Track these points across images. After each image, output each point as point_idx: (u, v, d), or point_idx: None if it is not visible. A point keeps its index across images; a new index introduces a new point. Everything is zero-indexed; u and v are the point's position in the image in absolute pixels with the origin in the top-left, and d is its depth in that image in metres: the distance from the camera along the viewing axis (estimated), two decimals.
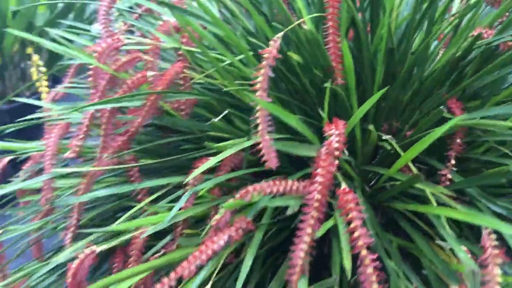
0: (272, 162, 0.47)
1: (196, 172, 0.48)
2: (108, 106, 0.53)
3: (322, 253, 0.55)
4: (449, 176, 0.56)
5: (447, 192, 0.45)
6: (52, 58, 1.36)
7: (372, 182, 0.63)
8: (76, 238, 0.62)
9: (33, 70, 1.09)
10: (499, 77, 0.52)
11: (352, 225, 0.38)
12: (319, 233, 0.44)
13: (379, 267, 0.42)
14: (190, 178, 0.50)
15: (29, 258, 0.79)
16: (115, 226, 0.51)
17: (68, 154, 0.56)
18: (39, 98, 1.27)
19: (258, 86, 0.44)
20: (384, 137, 0.61)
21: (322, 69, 0.54)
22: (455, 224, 0.49)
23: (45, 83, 1.08)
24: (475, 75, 0.53)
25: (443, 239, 0.46)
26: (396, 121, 0.65)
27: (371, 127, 0.52)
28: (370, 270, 0.37)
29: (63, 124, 0.62)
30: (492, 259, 0.34)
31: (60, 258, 0.59)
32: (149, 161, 0.58)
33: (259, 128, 0.44)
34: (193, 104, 0.63)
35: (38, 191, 0.78)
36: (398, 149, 0.52)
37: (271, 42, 0.44)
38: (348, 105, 0.52)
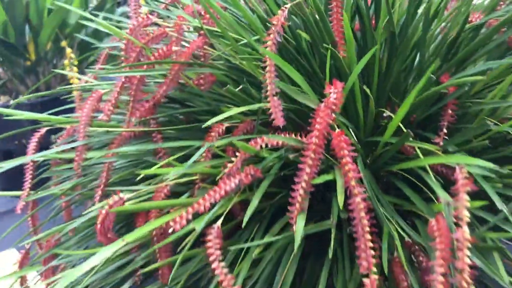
0: (279, 120, 0.53)
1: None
2: (138, 74, 0.60)
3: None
4: (441, 143, 0.62)
5: (434, 148, 0.51)
6: (82, 53, 1.45)
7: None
8: (105, 196, 0.69)
9: (66, 62, 1.18)
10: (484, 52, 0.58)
11: (343, 161, 0.44)
12: (318, 180, 0.50)
13: (371, 207, 0.48)
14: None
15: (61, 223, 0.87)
16: (142, 171, 0.57)
17: (102, 117, 0.63)
18: (70, 92, 1.36)
19: (268, 43, 0.50)
20: (385, 114, 0.68)
21: (327, 44, 0.60)
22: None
23: (77, 75, 1.16)
24: (465, 49, 0.59)
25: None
26: (396, 98, 0.71)
27: (368, 90, 0.58)
28: (358, 199, 0.43)
29: (96, 95, 0.69)
30: (462, 187, 0.40)
31: (91, 212, 0.66)
32: (171, 127, 0.66)
33: (268, 84, 0.51)
34: (211, 81, 0.70)
35: (70, 161, 0.86)
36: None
37: (279, 11, 0.51)
38: (349, 73, 0.58)
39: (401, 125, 0.56)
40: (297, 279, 0.61)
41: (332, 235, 0.52)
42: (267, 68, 0.51)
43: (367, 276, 0.44)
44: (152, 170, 0.56)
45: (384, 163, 0.61)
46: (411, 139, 0.55)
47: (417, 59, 0.69)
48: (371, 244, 0.44)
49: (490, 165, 0.45)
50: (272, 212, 0.63)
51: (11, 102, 1.45)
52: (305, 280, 0.61)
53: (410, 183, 0.60)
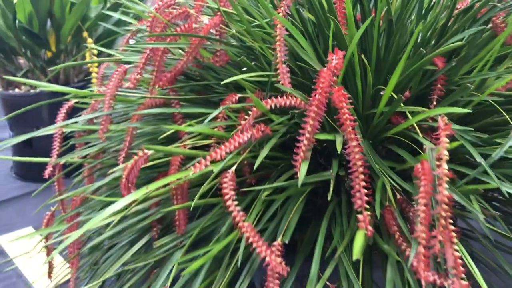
0: (286, 84, 0.61)
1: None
2: (162, 46, 0.68)
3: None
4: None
5: (423, 109, 0.58)
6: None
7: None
8: (128, 159, 0.76)
9: (87, 52, 1.26)
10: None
11: (341, 111, 0.51)
12: (320, 136, 0.57)
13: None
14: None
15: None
16: (166, 126, 0.65)
17: (128, 85, 0.70)
18: (89, 82, 1.44)
19: (279, 12, 0.58)
20: (382, 92, 0.75)
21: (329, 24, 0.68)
22: None
23: (96, 64, 1.24)
24: (453, 29, 0.66)
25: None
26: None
27: (367, 62, 0.65)
28: (354, 143, 0.50)
29: (121, 69, 0.77)
30: (443, 132, 0.47)
31: (115, 172, 0.73)
32: (189, 96, 0.73)
33: (278, 52, 0.58)
34: (226, 60, 0.78)
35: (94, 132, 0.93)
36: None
37: None
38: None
39: (393, 94, 0.63)
40: (303, 227, 0.68)
41: (331, 186, 0.59)
42: (277, 37, 0.59)
43: (361, 213, 0.51)
44: (173, 127, 0.63)
45: (380, 131, 0.68)
46: (402, 105, 0.62)
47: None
48: (364, 183, 0.50)
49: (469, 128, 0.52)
50: (276, 176, 0.70)
51: (31, 91, 1.53)
52: (309, 231, 0.67)
53: (405, 147, 0.67)
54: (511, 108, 0.67)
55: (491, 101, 0.62)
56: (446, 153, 0.46)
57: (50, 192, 0.92)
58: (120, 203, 0.60)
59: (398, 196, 0.61)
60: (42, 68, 1.53)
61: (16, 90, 1.54)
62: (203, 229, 0.68)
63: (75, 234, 0.61)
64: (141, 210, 0.74)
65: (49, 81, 1.50)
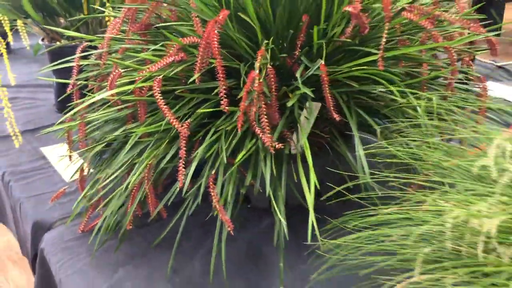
0: (199, 30, 1.02)
1: None
2: (134, 6, 1.11)
3: None
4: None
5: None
6: None
7: None
8: None
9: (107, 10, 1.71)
10: None
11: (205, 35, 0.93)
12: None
13: None
14: None
15: None
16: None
17: (113, 31, 1.14)
18: None
19: None
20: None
21: None
22: None
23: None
24: None
25: None
26: None
27: None
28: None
29: (115, 22, 1.20)
30: None
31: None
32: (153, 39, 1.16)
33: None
34: (175, 17, 1.20)
35: None
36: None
37: None
38: None
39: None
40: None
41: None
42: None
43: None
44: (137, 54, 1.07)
45: None
46: None
47: None
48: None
49: None
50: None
51: (68, 44, 2.00)
52: None
53: None
54: None
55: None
56: None
57: None
58: (106, 93, 1.04)
59: None
60: (77, 28, 2.00)
61: (57, 43, 2.02)
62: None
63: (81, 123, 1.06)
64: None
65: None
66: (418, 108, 0.92)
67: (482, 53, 1.24)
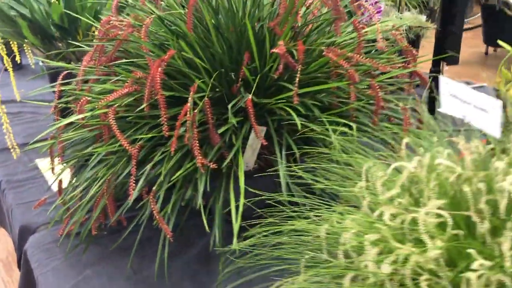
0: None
1: None
2: (101, 43, 1.29)
3: None
4: None
5: None
6: None
7: None
8: None
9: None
10: None
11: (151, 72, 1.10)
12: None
13: None
14: None
15: None
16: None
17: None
18: None
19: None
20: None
21: None
22: None
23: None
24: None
25: None
26: None
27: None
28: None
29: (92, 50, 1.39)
30: None
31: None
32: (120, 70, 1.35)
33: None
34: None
35: None
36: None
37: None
38: None
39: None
40: None
41: None
42: None
43: None
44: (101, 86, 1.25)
45: None
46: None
47: None
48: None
49: None
50: None
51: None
52: None
53: None
54: None
55: None
56: None
57: None
58: (76, 117, 1.23)
59: None
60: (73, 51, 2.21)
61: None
62: None
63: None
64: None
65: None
66: (332, 135, 1.08)
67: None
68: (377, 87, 1.21)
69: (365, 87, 1.28)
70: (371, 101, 1.26)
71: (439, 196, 0.77)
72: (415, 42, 2.40)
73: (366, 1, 2.07)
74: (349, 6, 1.33)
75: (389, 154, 0.98)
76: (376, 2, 2.14)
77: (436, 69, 2.08)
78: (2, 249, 3.07)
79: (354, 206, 0.90)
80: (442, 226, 0.72)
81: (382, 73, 1.33)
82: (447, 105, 0.78)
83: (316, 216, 0.86)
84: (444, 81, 0.76)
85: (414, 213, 0.73)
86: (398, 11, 2.48)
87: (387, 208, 0.73)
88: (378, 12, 2.09)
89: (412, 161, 0.76)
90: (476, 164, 0.76)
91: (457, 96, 0.74)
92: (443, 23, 1.99)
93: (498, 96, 1.51)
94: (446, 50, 1.98)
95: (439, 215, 0.70)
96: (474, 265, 0.63)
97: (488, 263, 0.63)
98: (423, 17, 2.47)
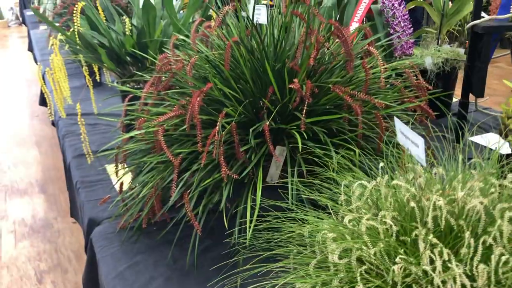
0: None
1: None
2: (158, 75, 1.61)
3: None
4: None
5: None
6: None
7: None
8: None
9: None
10: None
11: (193, 100, 1.40)
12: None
13: None
14: None
15: None
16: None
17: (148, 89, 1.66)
18: None
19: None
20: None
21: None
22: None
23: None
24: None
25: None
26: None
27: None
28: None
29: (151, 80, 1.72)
30: None
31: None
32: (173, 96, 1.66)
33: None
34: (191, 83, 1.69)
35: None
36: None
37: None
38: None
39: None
40: None
41: None
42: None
43: None
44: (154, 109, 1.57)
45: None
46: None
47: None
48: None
49: None
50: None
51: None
52: None
53: None
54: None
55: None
56: None
57: None
58: (135, 132, 1.55)
59: None
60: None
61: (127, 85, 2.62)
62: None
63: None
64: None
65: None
66: (334, 155, 1.32)
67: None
68: (381, 117, 1.44)
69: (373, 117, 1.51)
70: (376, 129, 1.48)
71: (396, 210, 1.00)
72: (451, 74, 2.55)
73: (400, 37, 2.29)
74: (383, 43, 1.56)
75: (372, 175, 1.20)
76: (409, 35, 2.34)
77: (464, 100, 2.24)
78: (75, 242, 3.52)
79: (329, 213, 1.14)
80: (388, 231, 0.95)
81: (399, 104, 1.56)
82: (400, 138, 1.00)
83: (302, 220, 1.11)
84: (396, 120, 0.98)
85: (370, 220, 0.96)
86: (438, 44, 2.65)
87: (348, 215, 0.97)
88: (409, 48, 2.29)
89: (371, 182, 0.99)
90: (423, 186, 0.98)
91: (403, 132, 0.95)
92: (470, 58, 2.16)
93: (502, 124, 1.67)
94: (471, 84, 2.14)
95: (383, 223, 0.93)
96: (397, 259, 0.85)
97: (410, 258, 0.85)
98: (462, 50, 2.61)
